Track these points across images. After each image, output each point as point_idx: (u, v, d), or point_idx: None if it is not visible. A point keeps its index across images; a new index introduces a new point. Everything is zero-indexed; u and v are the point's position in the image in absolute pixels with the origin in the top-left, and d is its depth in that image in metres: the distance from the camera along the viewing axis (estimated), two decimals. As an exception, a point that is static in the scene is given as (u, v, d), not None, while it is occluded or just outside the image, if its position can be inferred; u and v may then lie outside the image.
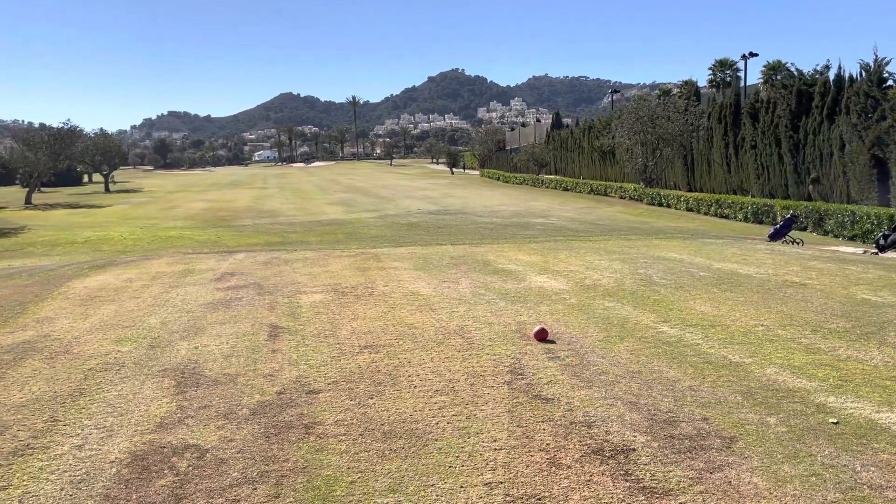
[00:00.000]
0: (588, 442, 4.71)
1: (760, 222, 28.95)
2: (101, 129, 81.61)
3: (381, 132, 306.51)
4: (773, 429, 4.89)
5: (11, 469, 4.51)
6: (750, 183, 34.73)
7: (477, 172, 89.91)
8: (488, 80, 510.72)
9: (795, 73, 33.94)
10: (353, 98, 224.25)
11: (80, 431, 5.10)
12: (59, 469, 4.49)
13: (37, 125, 63.72)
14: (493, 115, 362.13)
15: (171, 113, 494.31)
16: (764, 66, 60.75)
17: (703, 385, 5.84)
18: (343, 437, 4.90)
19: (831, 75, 29.85)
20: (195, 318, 8.80)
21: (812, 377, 6.01)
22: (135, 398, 5.80)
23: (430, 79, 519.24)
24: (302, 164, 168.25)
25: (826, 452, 4.48)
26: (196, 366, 6.70)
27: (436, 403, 5.52)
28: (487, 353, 6.91)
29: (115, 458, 4.64)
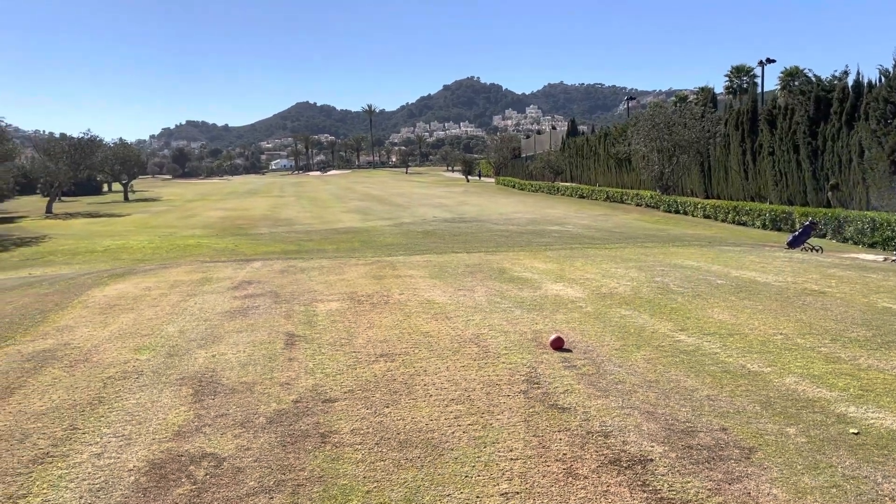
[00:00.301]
0: (605, 452, 4.68)
1: (779, 229, 28.69)
2: (121, 139, 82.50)
3: (396, 140, 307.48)
4: (792, 439, 4.83)
5: (31, 477, 4.56)
6: (768, 190, 34.46)
7: (492, 180, 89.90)
8: (503, 88, 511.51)
9: (813, 79, 33.70)
10: (369, 107, 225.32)
11: (99, 440, 5.14)
12: (78, 477, 4.53)
13: (57, 135, 64.30)
14: (509, 122, 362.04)
15: (189, 122, 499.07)
16: (781, 73, 60.34)
17: (722, 394, 5.79)
18: (359, 447, 4.90)
19: (850, 81, 29.57)
20: (213, 327, 8.86)
21: (832, 387, 5.93)
22: (153, 406, 5.85)
23: (446, 87, 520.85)
24: (318, 173, 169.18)
25: (847, 464, 4.42)
26: (213, 374, 6.75)
27: (451, 412, 5.51)
28: (503, 362, 6.90)
29: (134, 466, 4.68)
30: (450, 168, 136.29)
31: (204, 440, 5.10)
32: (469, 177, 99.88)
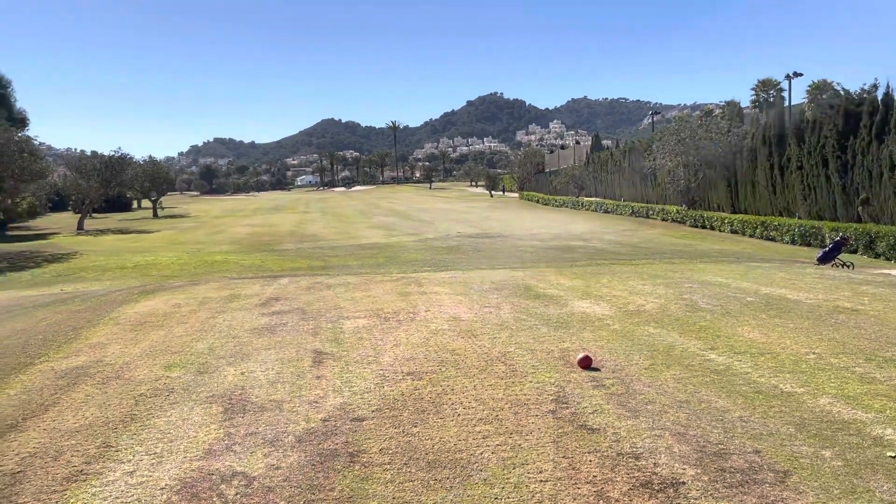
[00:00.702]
0: (636, 474, 4.63)
1: (808, 245, 28.29)
2: (150, 156, 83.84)
3: (420, 156, 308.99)
4: (828, 462, 4.74)
5: (65, 495, 4.63)
6: (796, 204, 34.00)
7: (516, 195, 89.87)
8: (527, 103, 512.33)
9: (842, 92, 33.33)
10: (393, 123, 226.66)
11: (131, 457, 5.20)
12: (111, 496, 4.58)
13: (89, 153, 65.56)
14: (532, 137, 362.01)
15: (216, 139, 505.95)
16: (809, 86, 59.85)
17: (754, 416, 5.71)
18: (388, 467, 4.91)
19: (879, 94, 29.21)
20: (241, 344, 8.94)
21: (868, 408, 5.82)
22: (184, 424, 5.91)
23: (469, 103, 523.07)
24: (343, 189, 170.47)
25: (885, 488, 4.33)
26: (242, 392, 6.80)
27: (479, 432, 5.49)
28: (531, 381, 6.87)
29: (166, 485, 4.72)
30: (473, 183, 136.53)
31: (234, 459, 5.14)
32: (493, 192, 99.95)
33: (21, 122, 55.27)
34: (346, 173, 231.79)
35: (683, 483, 4.48)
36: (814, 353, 7.67)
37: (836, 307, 10.46)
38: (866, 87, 31.52)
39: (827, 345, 8.06)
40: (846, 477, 4.51)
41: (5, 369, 8.05)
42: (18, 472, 5.02)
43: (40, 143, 54.26)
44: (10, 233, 52.01)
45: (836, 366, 7.15)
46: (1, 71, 56.88)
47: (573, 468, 4.77)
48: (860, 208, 28.96)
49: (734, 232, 35.15)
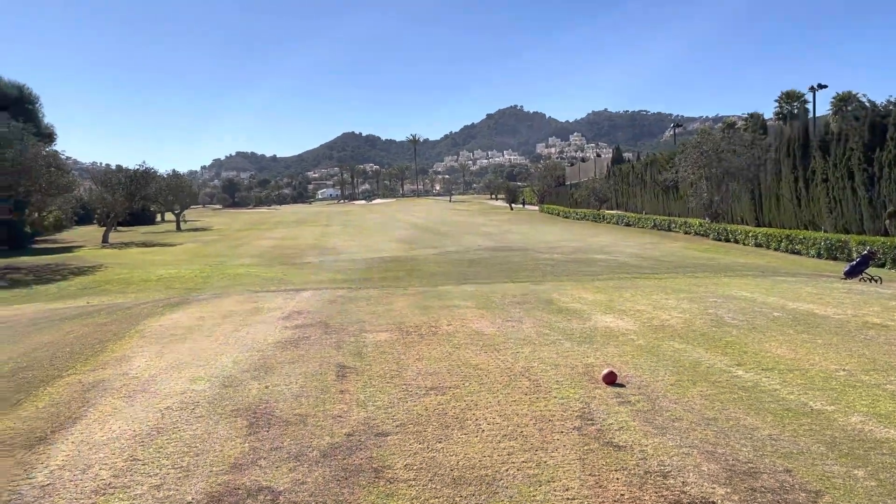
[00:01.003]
0: (664, 493, 4.57)
1: (834, 258, 27.89)
2: (174, 170, 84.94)
3: (440, 169, 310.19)
4: (861, 482, 4.65)
5: (95, 508, 4.66)
6: (822, 218, 33.59)
7: (536, 208, 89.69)
8: (547, 116, 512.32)
9: (867, 104, 32.97)
10: (413, 136, 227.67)
11: (158, 471, 5.24)
12: (139, 509, 4.61)
13: (114, 167, 66.61)
14: (552, 150, 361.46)
15: (238, 153, 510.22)
16: (833, 98, 59.18)
17: (784, 434, 5.61)
18: (413, 482, 4.89)
19: (906, 106, 28.87)
20: (265, 358, 8.98)
21: (901, 427, 5.70)
22: (209, 438, 5.94)
23: (489, 116, 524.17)
24: (363, 202, 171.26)
25: (922, 510, 4.23)
26: (267, 406, 6.82)
27: (504, 449, 5.46)
28: (555, 397, 6.82)
29: (193, 499, 4.74)
30: (493, 196, 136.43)
31: (260, 473, 5.15)
32: (513, 205, 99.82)
33: (48, 136, 56.18)
34: (366, 186, 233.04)
35: (714, 503, 4.41)
36: (844, 370, 7.55)
37: (866, 323, 10.29)
38: (893, 99, 31.08)
39: (857, 361, 7.92)
40: (880, 497, 4.42)
41: (34, 382, 8.16)
42: (48, 484, 5.07)
43: (67, 158, 55.13)
44: (36, 246, 52.83)
45: (867, 383, 7.03)
46: (29, 87, 57.92)
47: (600, 486, 4.71)
48: (888, 221, 28.54)
49: (758, 245, 34.76)
